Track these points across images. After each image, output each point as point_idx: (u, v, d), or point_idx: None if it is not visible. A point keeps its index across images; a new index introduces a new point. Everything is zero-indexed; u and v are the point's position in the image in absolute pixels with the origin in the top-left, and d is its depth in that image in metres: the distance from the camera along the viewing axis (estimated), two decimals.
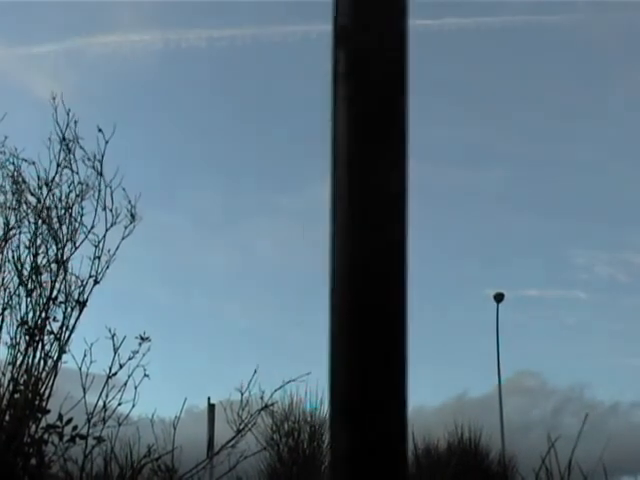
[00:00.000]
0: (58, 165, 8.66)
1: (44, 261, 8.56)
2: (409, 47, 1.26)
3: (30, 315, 8.34)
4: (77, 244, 8.59)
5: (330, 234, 1.23)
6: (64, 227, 8.64)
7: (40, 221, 8.68)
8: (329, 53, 1.27)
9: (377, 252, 1.20)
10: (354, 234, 1.20)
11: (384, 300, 1.18)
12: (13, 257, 8.60)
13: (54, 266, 8.50)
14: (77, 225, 8.64)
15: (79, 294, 8.46)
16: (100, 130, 8.61)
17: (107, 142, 8.64)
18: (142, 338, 8.55)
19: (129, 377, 8.40)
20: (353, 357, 1.17)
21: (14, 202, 8.79)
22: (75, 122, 8.69)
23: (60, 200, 8.72)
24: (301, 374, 9.68)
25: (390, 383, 1.17)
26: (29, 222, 8.72)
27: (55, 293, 8.42)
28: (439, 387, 34.97)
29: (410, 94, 1.24)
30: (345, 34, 1.26)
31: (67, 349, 8.34)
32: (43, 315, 8.33)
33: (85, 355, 8.19)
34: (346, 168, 1.22)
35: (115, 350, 8.37)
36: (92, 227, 8.60)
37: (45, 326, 8.31)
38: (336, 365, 1.19)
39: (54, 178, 8.68)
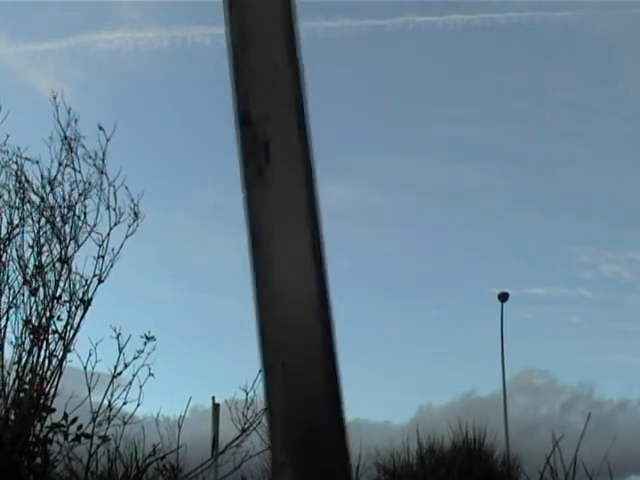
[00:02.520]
0: (60, 164, 8.67)
1: (48, 260, 8.57)
2: (309, 119, 1.28)
3: (35, 314, 8.35)
4: (78, 241, 8.59)
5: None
6: (68, 226, 8.65)
7: (44, 220, 8.68)
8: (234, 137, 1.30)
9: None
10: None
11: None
12: (17, 256, 8.60)
13: (58, 265, 8.50)
14: (81, 224, 8.65)
15: (83, 293, 8.46)
16: (101, 128, 8.60)
17: (108, 140, 8.64)
18: (147, 337, 8.55)
19: (134, 376, 8.41)
20: (289, 392, 1.17)
21: (17, 201, 8.79)
22: (75, 120, 8.68)
23: (63, 199, 8.73)
24: None
25: (330, 416, 1.16)
26: (33, 221, 8.72)
27: (59, 292, 8.42)
28: (447, 385, 35.03)
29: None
30: (248, 118, 1.26)
31: (72, 348, 8.34)
32: (47, 314, 8.33)
33: (90, 354, 8.20)
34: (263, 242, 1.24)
35: (120, 349, 8.37)
36: (94, 225, 8.60)
37: (50, 325, 8.31)
38: (272, 402, 1.18)
39: (56, 177, 8.69)
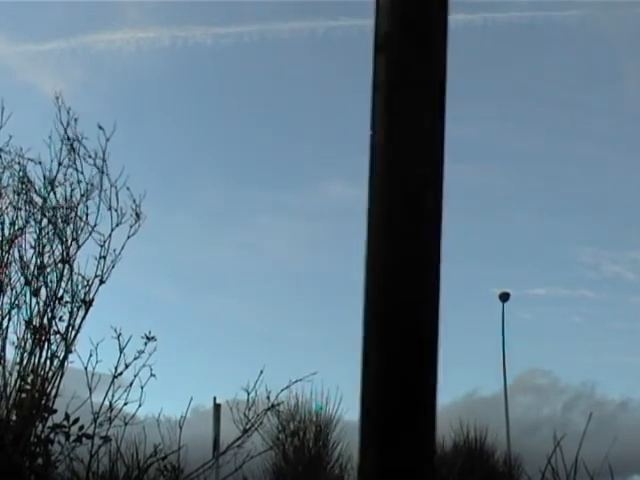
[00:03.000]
0: (60, 164, 8.67)
1: (50, 261, 8.58)
2: (447, 60, 1.27)
3: (36, 315, 8.35)
4: (79, 242, 8.59)
5: (366, 241, 1.23)
6: (69, 227, 8.65)
7: (45, 221, 8.68)
8: (370, 61, 1.28)
9: (411, 264, 1.20)
10: (389, 244, 1.21)
11: (416, 323, 1.19)
12: (19, 257, 8.61)
13: (60, 266, 8.50)
14: (82, 225, 8.65)
15: (85, 294, 8.46)
16: (101, 128, 8.59)
17: (108, 140, 8.63)
18: (148, 338, 8.55)
19: (135, 377, 8.41)
20: (386, 375, 1.17)
21: (20, 202, 8.79)
22: (75, 120, 8.68)
23: (65, 199, 8.73)
24: (307, 374, 9.69)
25: (421, 402, 1.16)
26: (35, 222, 8.72)
27: (61, 293, 8.43)
28: (449, 385, 34.96)
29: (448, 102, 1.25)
30: (386, 42, 1.26)
31: (73, 349, 8.35)
32: (49, 315, 8.34)
33: (91, 355, 8.20)
34: (385, 178, 1.22)
35: (121, 350, 8.37)
36: (94, 225, 8.60)
37: (51, 326, 8.32)
38: (368, 381, 1.18)
39: (55, 177, 8.68)
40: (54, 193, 8.68)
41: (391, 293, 1.19)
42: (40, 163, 8.78)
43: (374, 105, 1.25)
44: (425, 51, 1.26)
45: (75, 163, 8.70)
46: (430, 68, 1.26)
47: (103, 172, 8.63)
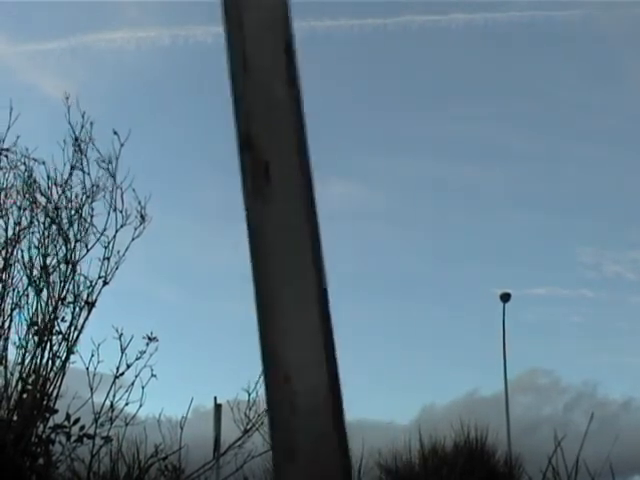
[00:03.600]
0: (72, 167, 8.69)
1: (54, 261, 8.60)
2: (308, 145, 1.31)
3: (39, 315, 8.37)
4: (87, 245, 8.62)
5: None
6: (74, 228, 8.67)
7: (50, 221, 8.70)
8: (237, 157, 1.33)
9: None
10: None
11: None
12: (23, 257, 8.63)
13: (63, 267, 8.53)
14: (87, 226, 8.67)
15: (88, 295, 8.49)
16: (115, 133, 8.63)
17: (122, 145, 8.66)
18: (149, 338, 8.58)
19: (136, 377, 8.43)
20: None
21: (25, 202, 8.81)
22: (91, 124, 8.70)
23: (70, 201, 8.75)
24: None
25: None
26: (39, 222, 8.75)
27: (64, 293, 8.45)
28: (450, 385, 35.04)
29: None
30: (250, 140, 1.30)
31: (75, 349, 8.37)
32: (52, 315, 8.36)
33: (93, 355, 8.23)
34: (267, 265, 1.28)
35: (122, 350, 8.40)
36: (104, 229, 8.62)
37: (54, 326, 8.34)
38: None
39: (67, 180, 8.71)
40: (65, 195, 8.70)
41: None
42: (44, 163, 8.81)
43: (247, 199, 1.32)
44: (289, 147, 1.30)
45: (82, 164, 8.73)
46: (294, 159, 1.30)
47: (114, 176, 8.66)
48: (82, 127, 8.66)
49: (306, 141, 1.32)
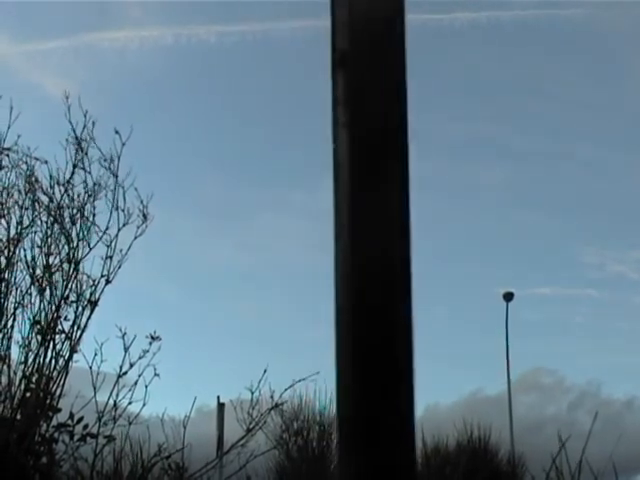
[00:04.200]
0: (75, 166, 8.68)
1: (56, 260, 8.60)
2: (408, 72, 1.25)
3: (42, 314, 8.37)
4: (90, 244, 8.62)
5: (334, 254, 1.22)
6: (76, 227, 8.67)
7: (52, 220, 8.70)
8: (329, 77, 1.27)
9: (382, 268, 1.19)
10: (358, 254, 1.19)
11: (390, 331, 1.18)
12: (25, 256, 8.63)
13: (66, 266, 8.52)
14: (89, 225, 8.67)
15: (91, 294, 8.48)
16: (117, 132, 8.63)
17: (124, 144, 8.66)
18: (152, 337, 8.57)
19: (139, 376, 8.43)
20: (360, 383, 1.16)
21: (27, 201, 8.81)
22: (93, 123, 8.70)
23: (72, 200, 8.75)
24: (311, 373, 9.70)
25: (399, 409, 1.16)
26: (41, 221, 8.74)
27: (67, 292, 8.45)
28: (454, 384, 35.01)
29: (410, 111, 1.24)
30: (344, 59, 1.24)
31: (78, 348, 8.37)
32: (55, 314, 8.36)
33: (96, 354, 8.23)
34: (348, 192, 1.21)
35: (126, 349, 8.39)
36: (107, 228, 8.61)
37: (57, 325, 8.34)
38: (343, 388, 1.18)
39: (70, 179, 8.70)
40: (67, 194, 8.70)
41: (361, 299, 1.19)
42: (47, 162, 8.81)
43: (335, 121, 1.25)
44: (385, 66, 1.25)
45: (83, 163, 8.73)
46: (390, 82, 1.25)
47: (116, 176, 8.66)
48: (84, 126, 8.67)
49: (405, 65, 1.27)
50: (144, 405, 8.50)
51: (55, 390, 8.20)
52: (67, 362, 8.28)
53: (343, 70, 1.23)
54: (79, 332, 8.38)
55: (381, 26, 1.26)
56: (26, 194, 8.80)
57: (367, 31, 1.25)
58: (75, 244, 8.58)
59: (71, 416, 8.20)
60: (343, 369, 1.18)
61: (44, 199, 8.77)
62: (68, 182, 8.71)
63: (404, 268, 1.21)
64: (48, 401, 8.14)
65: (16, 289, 8.51)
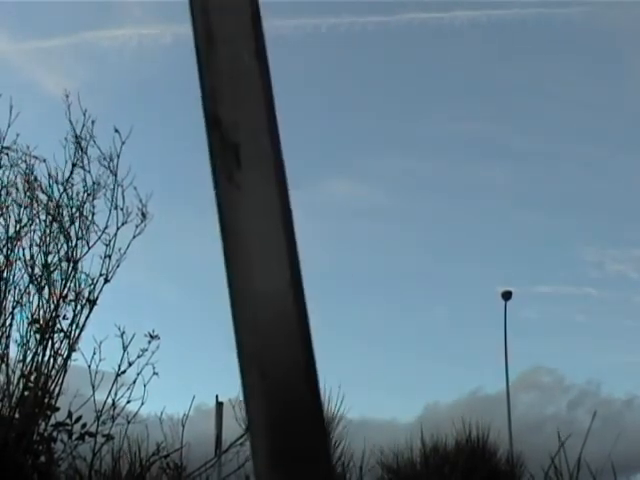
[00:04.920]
0: (74, 165, 8.68)
1: (55, 259, 8.59)
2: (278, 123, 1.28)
3: (40, 313, 8.37)
4: (89, 243, 8.62)
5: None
6: (75, 225, 8.67)
7: (51, 219, 8.70)
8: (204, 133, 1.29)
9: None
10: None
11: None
12: (24, 255, 8.63)
13: (65, 264, 8.52)
14: (88, 223, 8.67)
15: (89, 292, 8.48)
16: (117, 131, 8.63)
17: (124, 143, 8.66)
18: (151, 336, 8.58)
19: (138, 375, 8.43)
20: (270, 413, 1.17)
21: (26, 200, 8.81)
22: (92, 122, 8.70)
23: (71, 198, 8.75)
24: None
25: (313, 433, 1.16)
26: (40, 220, 8.74)
27: (65, 291, 8.44)
28: (454, 383, 35.04)
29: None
30: (218, 121, 1.25)
31: (77, 347, 8.37)
32: (53, 313, 8.36)
33: (94, 353, 8.23)
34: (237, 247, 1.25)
35: (124, 348, 8.40)
36: (106, 227, 8.61)
37: (55, 324, 8.34)
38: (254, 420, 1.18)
39: (69, 178, 8.70)
40: (66, 193, 8.70)
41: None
42: (45, 161, 8.81)
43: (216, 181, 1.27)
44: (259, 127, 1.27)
45: (83, 162, 8.73)
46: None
47: (115, 175, 8.66)
48: (83, 125, 8.67)
49: (276, 119, 1.28)
50: (142, 404, 8.52)
51: (53, 389, 8.20)
52: (65, 361, 8.28)
53: (218, 131, 1.26)
54: (78, 331, 8.39)
55: (250, 90, 1.28)
56: (25, 193, 8.81)
57: (237, 95, 1.28)
58: (74, 243, 8.58)
59: (70, 415, 8.20)
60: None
61: (43, 198, 8.79)
62: (67, 181, 8.71)
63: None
64: (46, 400, 8.14)
65: (15, 288, 8.52)
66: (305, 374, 1.18)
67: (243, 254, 1.21)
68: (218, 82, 1.27)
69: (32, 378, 8.15)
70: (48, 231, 8.65)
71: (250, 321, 1.20)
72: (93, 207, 8.74)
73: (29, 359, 8.22)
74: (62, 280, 8.48)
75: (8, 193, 8.81)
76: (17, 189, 8.83)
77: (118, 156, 8.67)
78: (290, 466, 1.13)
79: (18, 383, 8.13)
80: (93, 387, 8.28)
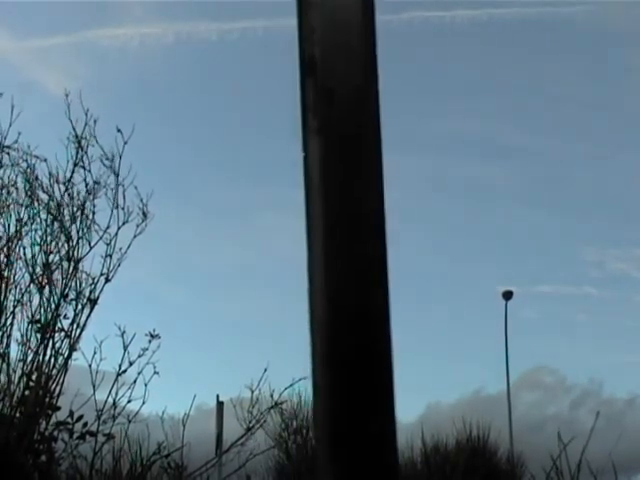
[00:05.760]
0: (75, 165, 8.68)
1: (56, 259, 8.59)
2: (379, 76, 1.21)
3: (41, 312, 8.37)
4: (89, 242, 8.61)
5: (307, 263, 1.19)
6: (76, 225, 8.67)
7: (52, 218, 8.69)
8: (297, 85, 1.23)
9: (358, 272, 1.16)
10: (333, 256, 1.16)
11: (367, 332, 1.15)
12: (25, 254, 8.62)
13: (66, 264, 8.52)
14: (89, 223, 8.67)
15: (90, 292, 8.48)
16: (119, 130, 8.62)
17: (126, 143, 8.65)
18: (152, 335, 8.57)
19: (139, 374, 8.43)
20: (337, 388, 1.12)
21: (27, 199, 8.80)
22: (95, 121, 8.70)
23: (72, 198, 8.74)
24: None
25: (379, 414, 1.12)
26: (41, 219, 8.74)
27: (66, 291, 8.44)
28: (456, 383, 35.03)
29: (383, 116, 1.20)
30: (313, 64, 1.18)
31: (77, 346, 8.36)
32: (54, 313, 8.35)
33: (95, 352, 8.22)
34: (321, 197, 1.16)
35: (125, 347, 8.39)
36: (108, 227, 8.61)
37: (56, 323, 8.33)
38: (320, 394, 1.14)
39: (71, 178, 8.70)
40: (67, 193, 8.69)
41: (336, 302, 1.15)
42: (46, 160, 8.80)
43: (305, 129, 1.21)
44: (354, 70, 1.21)
45: (83, 161, 8.73)
46: (360, 87, 1.21)
47: (117, 174, 8.65)
48: (85, 124, 8.66)
49: (377, 68, 1.22)
50: (143, 403, 8.51)
51: (54, 388, 8.19)
52: (66, 360, 8.27)
53: (313, 75, 1.20)
54: (78, 330, 8.39)
55: (350, 31, 1.22)
56: (26, 192, 8.81)
57: (336, 37, 1.21)
58: (75, 242, 8.58)
59: (70, 414, 8.19)
60: (319, 380, 1.15)
61: (44, 197, 8.78)
62: (69, 180, 8.71)
63: (381, 267, 1.18)
64: (47, 399, 8.13)
65: (15, 287, 8.51)
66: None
67: (326, 208, 1.15)
68: (318, 24, 1.20)
69: (33, 377, 8.15)
70: (49, 230, 8.66)
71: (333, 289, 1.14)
72: (94, 206, 8.74)
73: (30, 358, 8.23)
74: (63, 279, 8.49)
75: (9, 192, 8.82)
76: (17, 188, 8.84)
77: (120, 156, 8.67)
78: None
79: (19, 382, 8.12)
80: (94, 386, 8.28)
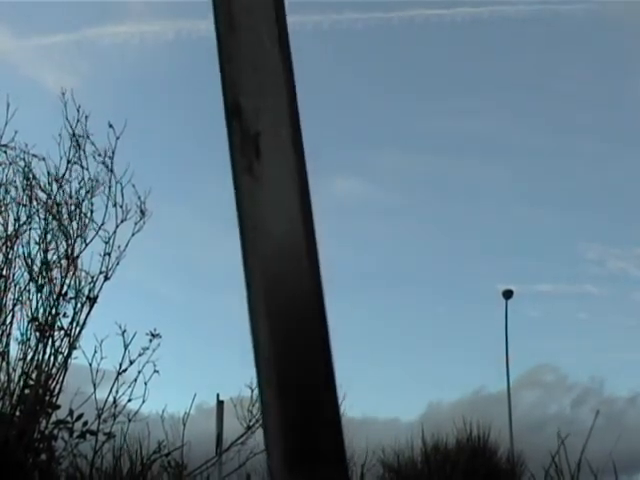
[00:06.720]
0: (69, 162, 8.67)
1: (54, 257, 8.58)
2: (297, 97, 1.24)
3: (40, 311, 8.36)
4: (87, 240, 8.61)
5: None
6: (74, 223, 8.66)
7: (50, 217, 8.68)
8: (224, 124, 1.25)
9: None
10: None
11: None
12: (23, 253, 8.61)
13: (64, 262, 8.51)
14: (87, 221, 8.66)
15: (89, 290, 8.47)
16: (111, 126, 8.61)
17: (118, 138, 8.64)
18: (152, 334, 8.57)
19: (139, 373, 8.43)
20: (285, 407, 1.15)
21: (25, 198, 8.80)
22: (86, 117, 8.69)
23: (70, 196, 8.73)
24: None
25: (327, 432, 1.14)
26: (39, 218, 8.73)
27: (65, 289, 8.43)
28: (457, 382, 34.99)
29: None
30: (237, 109, 1.21)
31: (77, 345, 8.36)
32: (53, 311, 8.34)
33: (95, 351, 8.22)
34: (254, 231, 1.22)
35: (125, 346, 8.39)
36: (102, 223, 8.60)
37: (55, 322, 8.32)
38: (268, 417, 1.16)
39: (64, 175, 8.69)
40: (62, 190, 8.69)
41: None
42: (44, 159, 8.79)
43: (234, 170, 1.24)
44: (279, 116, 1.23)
45: (80, 159, 8.72)
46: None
47: (112, 171, 8.64)
48: (78, 121, 8.65)
49: (297, 108, 1.25)
50: (143, 402, 8.51)
51: (54, 387, 8.19)
52: (66, 359, 8.26)
53: (238, 120, 1.22)
54: (78, 329, 8.38)
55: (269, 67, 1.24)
56: (24, 191, 8.80)
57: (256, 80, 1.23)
58: (73, 240, 8.56)
59: (70, 413, 8.19)
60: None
61: (42, 196, 8.77)
62: (63, 177, 8.69)
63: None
64: (47, 398, 8.13)
65: (14, 286, 8.50)
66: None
67: (262, 248, 1.18)
68: (238, 70, 1.23)
69: (33, 376, 8.14)
70: (47, 229, 8.64)
71: (272, 322, 1.17)
72: (92, 204, 8.73)
73: (29, 357, 8.22)
74: (62, 278, 8.48)
75: (7, 191, 8.81)
76: (15, 187, 8.83)
77: (113, 152, 8.65)
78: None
79: (19, 381, 8.12)
80: (94, 385, 8.27)
